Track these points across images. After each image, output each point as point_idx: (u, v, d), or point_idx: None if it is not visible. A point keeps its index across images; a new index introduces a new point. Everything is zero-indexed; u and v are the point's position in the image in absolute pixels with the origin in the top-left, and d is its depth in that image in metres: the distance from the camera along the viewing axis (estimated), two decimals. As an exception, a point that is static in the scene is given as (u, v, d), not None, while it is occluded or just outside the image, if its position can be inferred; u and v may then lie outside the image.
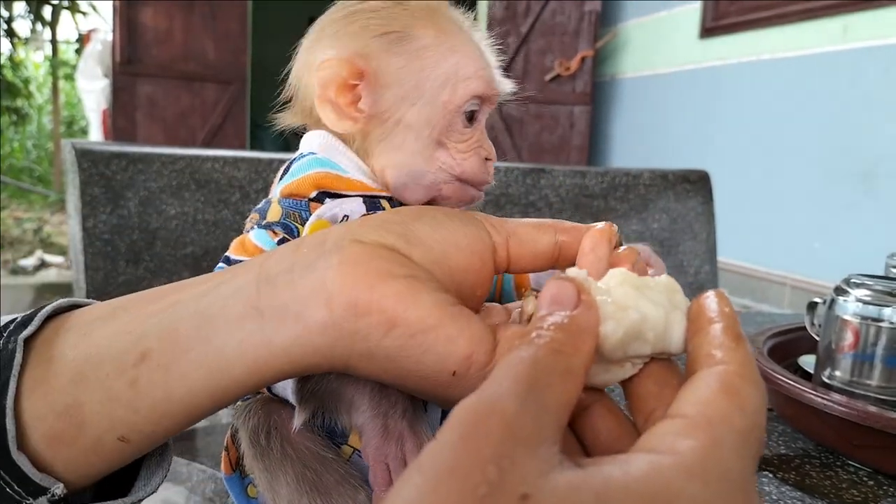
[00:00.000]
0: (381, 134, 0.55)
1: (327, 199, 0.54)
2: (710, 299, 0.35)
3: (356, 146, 0.56)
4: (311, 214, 0.54)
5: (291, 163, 0.58)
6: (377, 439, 0.46)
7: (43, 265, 4.62)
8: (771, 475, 0.63)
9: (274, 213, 0.55)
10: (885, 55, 3.20)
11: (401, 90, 0.54)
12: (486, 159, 0.57)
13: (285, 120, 0.61)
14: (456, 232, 0.41)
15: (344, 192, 0.54)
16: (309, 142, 0.58)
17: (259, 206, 0.57)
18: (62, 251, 4.95)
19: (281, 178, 0.57)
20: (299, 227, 0.54)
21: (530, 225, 0.43)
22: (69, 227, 1.33)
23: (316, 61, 0.55)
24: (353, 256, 0.38)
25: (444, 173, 0.55)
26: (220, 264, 0.53)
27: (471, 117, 0.56)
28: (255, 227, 0.54)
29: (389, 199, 0.56)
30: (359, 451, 0.52)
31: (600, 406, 0.38)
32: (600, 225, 0.42)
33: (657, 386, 0.36)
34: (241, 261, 0.52)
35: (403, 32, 0.54)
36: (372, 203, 0.54)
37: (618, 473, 0.27)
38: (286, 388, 0.49)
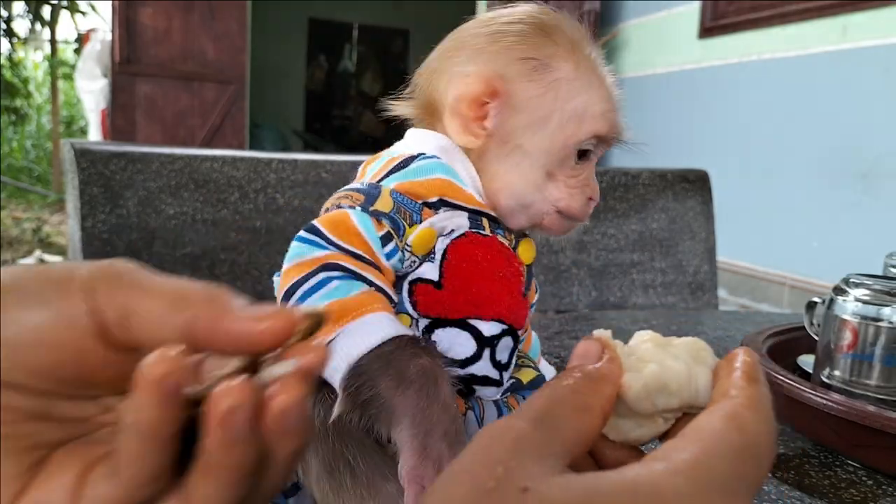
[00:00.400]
0: (499, 155, 0.56)
1: (443, 208, 0.54)
2: (735, 353, 0.37)
3: (471, 160, 0.57)
4: (421, 218, 0.53)
5: (410, 160, 0.56)
6: (414, 459, 0.44)
7: (42, 265, 4.60)
8: (770, 475, 0.63)
9: (384, 203, 0.53)
10: (885, 55, 3.20)
11: (530, 117, 0.55)
12: (590, 199, 0.58)
13: (398, 110, 0.62)
14: (37, 323, 0.33)
15: (460, 204, 0.55)
16: (424, 141, 0.58)
17: (360, 186, 0.55)
18: (61, 251, 4.95)
19: (392, 172, 0.56)
20: (407, 226, 0.53)
21: (164, 301, 0.34)
22: (68, 226, 1.33)
23: (455, 70, 0.57)
24: None
25: (549, 205, 0.57)
26: (306, 234, 0.51)
27: (583, 155, 0.57)
28: (359, 208, 0.52)
29: (492, 219, 0.56)
30: None
31: (634, 461, 0.38)
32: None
33: None
34: (330, 240, 0.50)
35: (543, 62, 0.56)
36: (475, 220, 0.55)
37: (611, 475, 0.29)
38: (334, 374, 0.47)
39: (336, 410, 0.46)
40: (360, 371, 0.45)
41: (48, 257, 4.72)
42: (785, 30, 3.71)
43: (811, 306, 0.86)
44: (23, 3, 6.41)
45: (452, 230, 0.54)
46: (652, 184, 1.77)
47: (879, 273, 0.85)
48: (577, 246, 1.69)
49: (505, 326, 0.55)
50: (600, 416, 0.34)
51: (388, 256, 0.52)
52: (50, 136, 7.44)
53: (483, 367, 0.54)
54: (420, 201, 0.54)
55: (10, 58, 6.92)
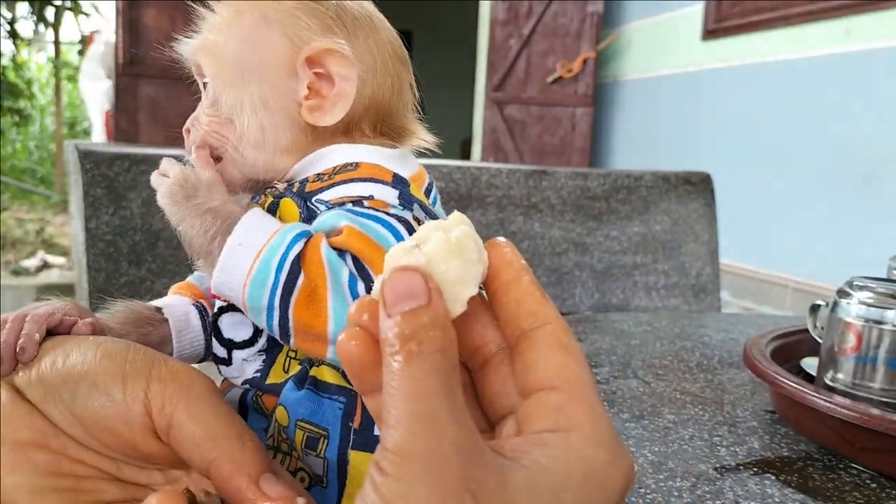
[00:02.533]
0: None
1: None
2: (506, 249, 0.36)
3: None
4: None
5: None
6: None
7: (45, 266, 4.62)
8: (773, 478, 0.63)
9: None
10: (888, 57, 3.19)
11: None
12: None
13: None
14: (101, 412, 0.40)
15: None
16: None
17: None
18: (64, 252, 4.96)
19: None
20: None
21: (202, 433, 0.40)
22: (71, 227, 1.34)
23: None
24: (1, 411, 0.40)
25: None
26: None
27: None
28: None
29: None
30: None
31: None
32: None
33: (481, 326, 0.37)
34: None
35: None
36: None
37: (551, 463, 0.30)
38: None
39: None
40: None
41: (51, 259, 4.73)
42: (788, 32, 3.71)
43: (815, 309, 0.86)
44: (27, 4, 6.42)
45: None
46: (655, 186, 1.77)
47: (883, 276, 0.85)
48: (579, 248, 1.69)
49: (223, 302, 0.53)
50: (458, 359, 0.32)
51: None
52: (53, 137, 7.45)
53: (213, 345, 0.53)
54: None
55: (13, 59, 6.94)
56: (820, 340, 0.82)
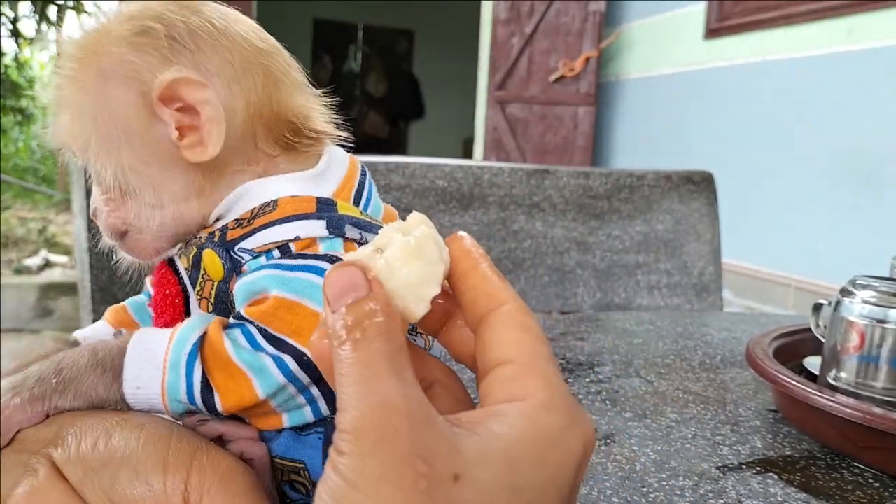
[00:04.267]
0: None
1: None
2: (463, 241, 0.37)
3: None
4: None
5: None
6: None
7: (47, 265, 4.62)
8: (776, 477, 0.63)
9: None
10: (891, 56, 3.19)
11: None
12: None
13: None
14: (140, 499, 0.39)
15: None
16: None
17: None
18: (66, 251, 4.96)
19: None
20: None
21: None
22: (74, 226, 1.34)
23: None
24: (38, 488, 0.38)
25: None
26: None
27: None
28: None
29: None
30: None
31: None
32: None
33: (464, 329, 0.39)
34: None
35: None
36: None
37: (505, 429, 0.31)
38: None
39: None
40: None
41: (54, 257, 4.73)
42: (790, 31, 3.71)
43: (817, 308, 0.86)
44: (29, 3, 6.43)
45: None
46: (657, 185, 1.77)
47: (886, 275, 0.84)
48: (581, 247, 1.69)
49: None
50: (405, 342, 0.33)
51: None
52: (55, 136, 7.45)
53: None
54: None
55: (16, 58, 6.94)
56: (823, 340, 0.82)
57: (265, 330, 0.42)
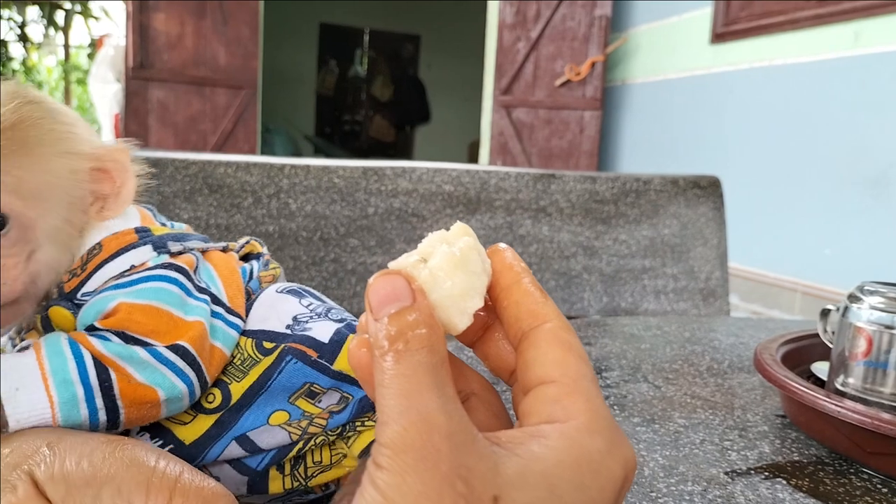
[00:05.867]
0: None
1: None
2: (506, 254, 0.37)
3: None
4: None
5: None
6: None
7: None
8: (784, 482, 0.63)
9: None
10: (897, 61, 3.19)
11: None
12: None
13: None
14: None
15: None
16: None
17: None
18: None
19: None
20: None
21: None
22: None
23: None
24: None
25: None
26: None
27: None
28: None
29: None
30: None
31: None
32: None
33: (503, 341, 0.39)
34: None
35: None
36: None
37: (545, 451, 0.31)
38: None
39: None
40: None
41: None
42: (797, 35, 3.71)
43: (825, 313, 0.86)
44: (37, 8, 6.45)
45: None
46: (664, 190, 1.77)
47: (894, 280, 0.84)
48: (588, 251, 1.69)
49: None
50: (447, 355, 0.33)
51: None
52: (63, 140, 7.47)
53: None
54: None
55: (24, 62, 6.97)
56: (830, 345, 0.82)
57: (124, 334, 0.44)
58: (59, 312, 0.47)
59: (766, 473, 0.64)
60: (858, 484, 0.64)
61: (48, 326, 0.47)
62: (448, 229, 0.38)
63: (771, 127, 3.87)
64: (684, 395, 0.84)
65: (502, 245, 0.38)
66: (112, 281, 0.46)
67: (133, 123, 4.89)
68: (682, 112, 4.63)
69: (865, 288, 0.77)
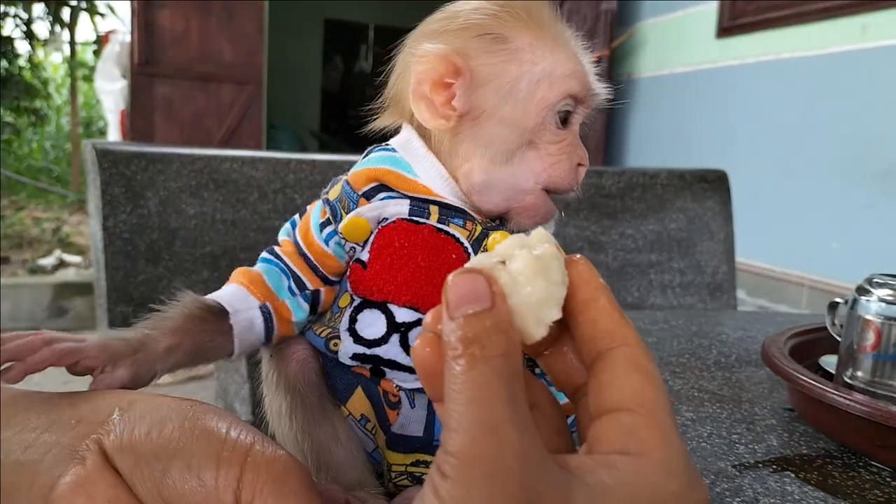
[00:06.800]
0: (471, 133, 0.54)
1: (381, 194, 0.55)
2: (584, 267, 0.36)
3: (445, 147, 0.56)
4: (357, 206, 0.55)
5: (368, 153, 0.58)
6: None
7: (61, 265, 4.65)
8: (793, 475, 0.63)
9: (334, 192, 0.57)
10: (905, 54, 3.17)
11: (498, 88, 0.53)
12: (579, 164, 0.56)
13: (381, 122, 0.60)
14: (191, 491, 0.37)
15: (402, 192, 0.54)
16: (396, 139, 0.59)
17: (338, 177, 0.58)
18: (80, 251, 4.99)
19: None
20: (344, 214, 0.55)
21: None
22: (89, 226, 1.35)
23: (413, 57, 0.55)
24: (85, 478, 0.36)
25: (531, 179, 0.54)
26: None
27: (565, 119, 0.55)
28: (322, 195, 0.58)
29: (449, 207, 0.54)
30: (352, 416, 0.56)
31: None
32: None
33: (571, 353, 0.38)
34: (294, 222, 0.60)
35: (502, 34, 0.54)
36: (420, 208, 0.54)
37: (617, 485, 0.29)
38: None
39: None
40: None
41: (68, 257, 4.76)
42: (803, 29, 3.69)
43: (833, 307, 0.85)
44: (42, 5, 6.46)
45: (386, 218, 0.54)
46: (670, 184, 1.76)
47: (902, 273, 0.84)
48: (594, 246, 1.69)
49: (421, 315, 0.54)
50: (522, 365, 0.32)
51: (327, 240, 0.56)
52: (69, 136, 7.50)
53: (390, 351, 0.53)
54: (358, 192, 0.55)
55: (30, 59, 6.99)
56: (838, 338, 0.82)
57: None
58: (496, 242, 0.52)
59: (775, 467, 0.64)
60: (867, 477, 0.64)
61: (480, 242, 0.55)
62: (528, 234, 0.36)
63: (778, 121, 3.86)
64: (692, 389, 0.84)
65: (579, 256, 0.36)
66: None
67: (139, 120, 4.90)
68: (689, 106, 4.61)
69: (874, 280, 0.76)
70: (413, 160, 0.56)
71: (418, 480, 0.54)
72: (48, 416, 0.39)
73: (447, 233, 0.54)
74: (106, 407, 0.39)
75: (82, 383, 0.46)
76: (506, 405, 0.28)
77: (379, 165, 0.56)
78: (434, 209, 0.54)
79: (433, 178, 0.55)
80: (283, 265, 0.58)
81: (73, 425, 0.38)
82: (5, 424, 0.38)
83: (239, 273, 0.58)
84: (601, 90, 0.57)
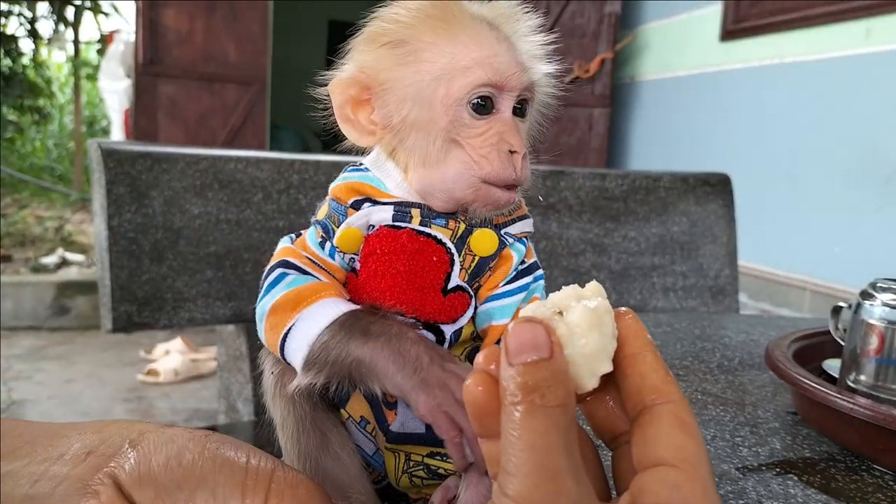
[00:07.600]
0: (399, 143, 0.55)
1: (365, 204, 0.55)
2: (632, 320, 0.37)
3: (396, 161, 0.56)
4: (346, 219, 0.55)
5: (343, 171, 0.59)
6: (423, 395, 0.47)
7: (64, 263, 4.66)
8: (796, 479, 0.63)
9: (322, 211, 0.58)
10: (909, 58, 3.17)
11: (403, 93, 0.53)
12: (511, 151, 0.53)
13: (350, 142, 0.59)
14: None
15: (383, 200, 0.55)
16: (367, 158, 0.59)
17: (321, 201, 0.59)
18: (83, 250, 5.00)
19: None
20: (335, 228, 0.55)
21: None
22: (94, 225, 1.35)
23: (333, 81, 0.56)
24: None
25: (464, 176, 0.53)
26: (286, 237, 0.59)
27: (482, 109, 0.53)
28: (314, 222, 0.58)
29: (421, 207, 0.55)
30: (353, 419, 0.56)
31: None
32: None
33: (614, 404, 0.39)
34: (288, 262, 0.56)
35: (403, 39, 0.54)
36: (402, 213, 0.54)
37: None
38: (295, 355, 0.52)
39: (297, 381, 0.51)
40: (324, 345, 0.50)
41: (70, 256, 4.77)
42: (808, 33, 3.69)
43: (837, 311, 0.85)
44: (47, 3, 6.48)
45: (372, 225, 0.55)
46: (673, 187, 1.76)
47: (906, 278, 0.84)
48: (597, 248, 1.69)
49: (407, 319, 0.54)
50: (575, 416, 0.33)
51: (331, 256, 0.56)
52: (72, 135, 7.52)
53: None
54: (346, 203, 0.55)
55: (34, 58, 7.00)
56: (842, 342, 0.82)
57: None
58: (488, 237, 0.56)
59: (778, 469, 0.64)
60: (870, 481, 0.64)
61: (463, 239, 0.56)
62: (582, 286, 0.37)
63: (781, 124, 3.85)
64: (695, 392, 0.84)
65: (626, 309, 0.37)
66: (523, 236, 0.59)
67: (142, 119, 4.90)
68: (692, 109, 4.61)
69: (878, 285, 0.76)
70: (383, 176, 0.56)
71: (434, 473, 0.54)
72: (56, 448, 0.38)
73: (427, 234, 0.54)
74: (116, 438, 0.39)
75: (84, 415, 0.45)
76: (563, 454, 0.30)
77: (356, 179, 0.56)
78: (416, 212, 0.55)
79: (403, 192, 0.55)
80: (312, 277, 0.56)
81: (83, 458, 0.38)
82: (11, 456, 0.38)
83: (321, 286, 0.55)
84: (524, 72, 0.55)
